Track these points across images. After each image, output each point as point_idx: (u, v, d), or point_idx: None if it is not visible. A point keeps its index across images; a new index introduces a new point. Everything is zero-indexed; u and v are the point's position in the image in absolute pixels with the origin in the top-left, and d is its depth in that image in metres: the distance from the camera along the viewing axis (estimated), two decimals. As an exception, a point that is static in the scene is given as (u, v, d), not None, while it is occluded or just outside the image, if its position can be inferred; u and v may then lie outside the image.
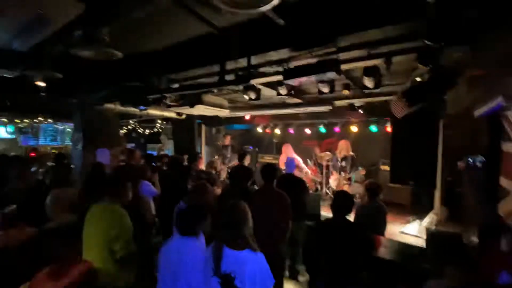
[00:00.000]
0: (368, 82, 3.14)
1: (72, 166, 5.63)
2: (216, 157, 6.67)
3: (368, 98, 4.89)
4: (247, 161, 4.73)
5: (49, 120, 8.17)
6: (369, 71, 3.00)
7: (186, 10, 2.26)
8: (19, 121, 7.78)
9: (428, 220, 4.63)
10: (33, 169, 4.95)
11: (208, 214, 1.98)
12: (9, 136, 8.17)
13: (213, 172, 4.73)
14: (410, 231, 4.56)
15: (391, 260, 2.81)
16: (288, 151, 6.67)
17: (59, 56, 2.88)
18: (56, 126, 8.95)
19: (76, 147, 5.43)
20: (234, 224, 1.70)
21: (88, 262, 2.05)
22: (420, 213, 4.96)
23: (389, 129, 5.87)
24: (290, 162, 4.07)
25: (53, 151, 8.94)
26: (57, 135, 9.14)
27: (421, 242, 3.70)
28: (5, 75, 2.93)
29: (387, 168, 6.28)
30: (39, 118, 7.80)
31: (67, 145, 9.33)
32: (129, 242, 2.16)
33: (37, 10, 1.36)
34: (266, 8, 1.50)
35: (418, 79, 2.79)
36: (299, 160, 6.35)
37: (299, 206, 3.29)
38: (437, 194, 4.74)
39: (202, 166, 5.74)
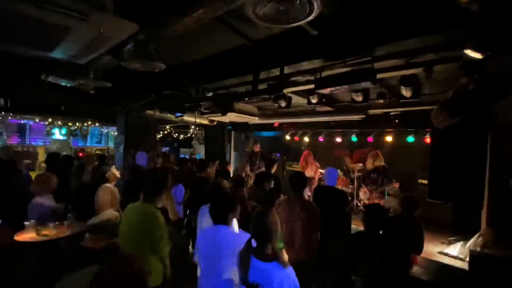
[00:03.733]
0: (406, 92, 3.02)
1: (114, 166, 6.13)
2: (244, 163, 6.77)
3: (405, 107, 4.66)
4: (273, 170, 4.73)
5: (96, 124, 9.00)
6: (406, 81, 2.88)
7: (223, 25, 2.39)
8: (71, 124, 8.67)
9: (473, 241, 4.22)
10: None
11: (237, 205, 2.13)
12: (62, 138, 9.12)
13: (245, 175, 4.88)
14: (451, 252, 4.20)
15: (427, 281, 2.62)
16: (309, 159, 6.60)
17: (108, 67, 3.20)
18: (101, 129, 9.79)
19: (119, 149, 5.91)
20: (262, 234, 1.66)
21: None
22: (463, 234, 4.55)
23: (428, 140, 5.50)
24: (331, 173, 3.67)
25: (97, 152, 9.78)
26: (102, 137, 9.99)
27: (462, 265, 3.39)
28: (64, 84, 3.34)
29: (425, 181, 5.87)
30: (88, 122, 8.64)
31: (110, 147, 10.14)
32: (164, 241, 2.27)
33: (99, 30, 1.56)
34: (301, 23, 1.55)
35: (462, 88, 2.61)
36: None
37: (339, 221, 3.18)
38: (484, 214, 4.31)
39: (230, 171, 5.88)
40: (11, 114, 7.48)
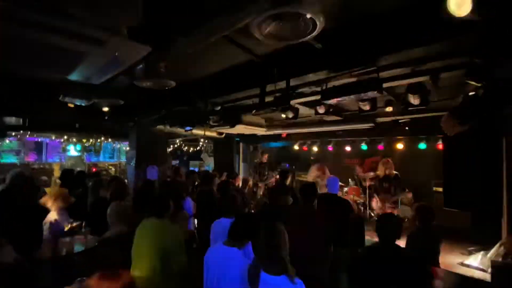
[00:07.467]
0: (413, 100, 3.01)
1: (126, 180, 6.25)
2: (250, 176, 6.76)
3: (414, 114, 4.61)
4: (288, 181, 4.69)
5: (109, 139, 9.27)
6: (413, 89, 2.88)
7: (230, 42, 2.48)
8: (85, 140, 8.96)
9: (494, 251, 4.04)
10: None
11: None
12: (76, 154, 9.41)
13: (248, 188, 4.83)
14: (472, 263, 4.02)
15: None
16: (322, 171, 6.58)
17: (121, 85, 3.34)
18: (113, 145, 10.06)
19: (130, 164, 6.04)
20: (271, 247, 1.67)
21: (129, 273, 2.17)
22: (483, 243, 4.37)
23: (441, 146, 5.38)
24: (333, 181, 3.69)
25: (110, 167, 10.00)
26: (114, 153, 10.24)
27: (484, 276, 3.24)
28: (79, 103, 3.49)
29: (440, 189, 5.70)
30: (101, 138, 8.91)
31: (122, 161, 10.36)
32: (182, 256, 2.28)
33: (114, 53, 1.66)
34: (305, 39, 1.60)
35: (471, 94, 2.59)
36: None
37: (342, 230, 3.12)
38: (504, 221, 4.14)
39: (239, 183, 5.88)
40: (28, 132, 7.81)
